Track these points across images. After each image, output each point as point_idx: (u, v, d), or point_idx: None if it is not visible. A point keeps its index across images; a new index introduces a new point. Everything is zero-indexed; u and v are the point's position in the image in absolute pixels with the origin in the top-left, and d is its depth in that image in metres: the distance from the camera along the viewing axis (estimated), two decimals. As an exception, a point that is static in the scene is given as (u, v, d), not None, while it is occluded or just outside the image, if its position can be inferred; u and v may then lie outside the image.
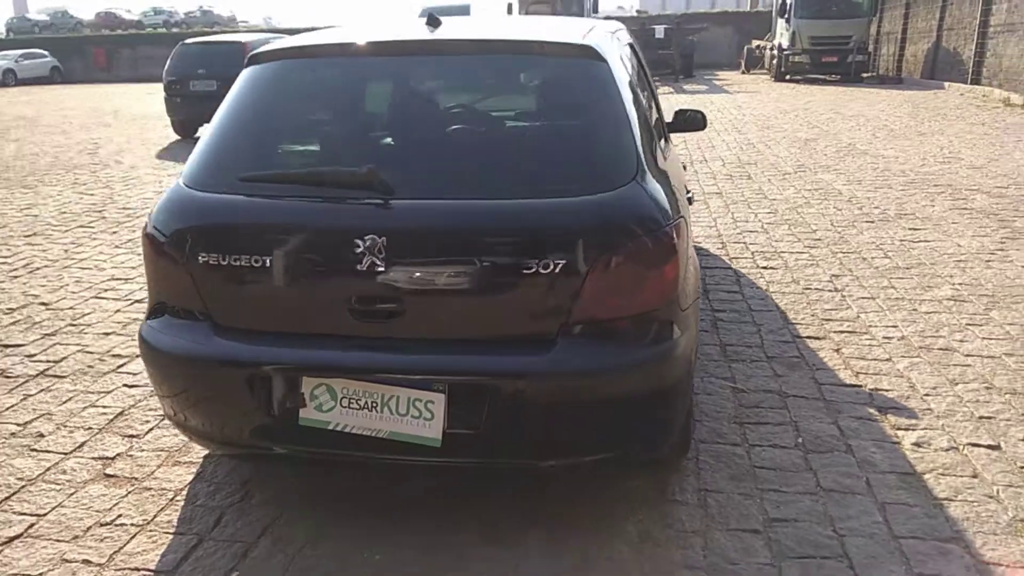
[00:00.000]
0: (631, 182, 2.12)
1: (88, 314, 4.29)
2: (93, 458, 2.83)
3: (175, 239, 2.26)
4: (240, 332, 2.22)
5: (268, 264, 2.13)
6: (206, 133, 2.47)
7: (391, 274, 2.03)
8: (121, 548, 2.33)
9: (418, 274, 2.05)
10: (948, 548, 2.21)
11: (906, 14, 19.57)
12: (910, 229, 5.55)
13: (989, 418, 2.91)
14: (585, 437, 2.16)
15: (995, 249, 5.00)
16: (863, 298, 4.20)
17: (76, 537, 2.39)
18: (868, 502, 2.43)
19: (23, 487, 2.65)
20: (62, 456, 2.85)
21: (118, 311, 4.32)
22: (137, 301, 4.47)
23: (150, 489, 2.62)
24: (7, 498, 2.59)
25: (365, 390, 2.12)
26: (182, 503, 2.54)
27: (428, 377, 2.09)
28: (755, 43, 23.10)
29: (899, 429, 2.85)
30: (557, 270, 2.00)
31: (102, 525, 2.44)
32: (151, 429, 3.02)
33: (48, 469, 2.76)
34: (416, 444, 2.09)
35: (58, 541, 2.37)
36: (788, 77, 19.36)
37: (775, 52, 19.85)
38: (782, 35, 19.75)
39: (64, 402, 3.26)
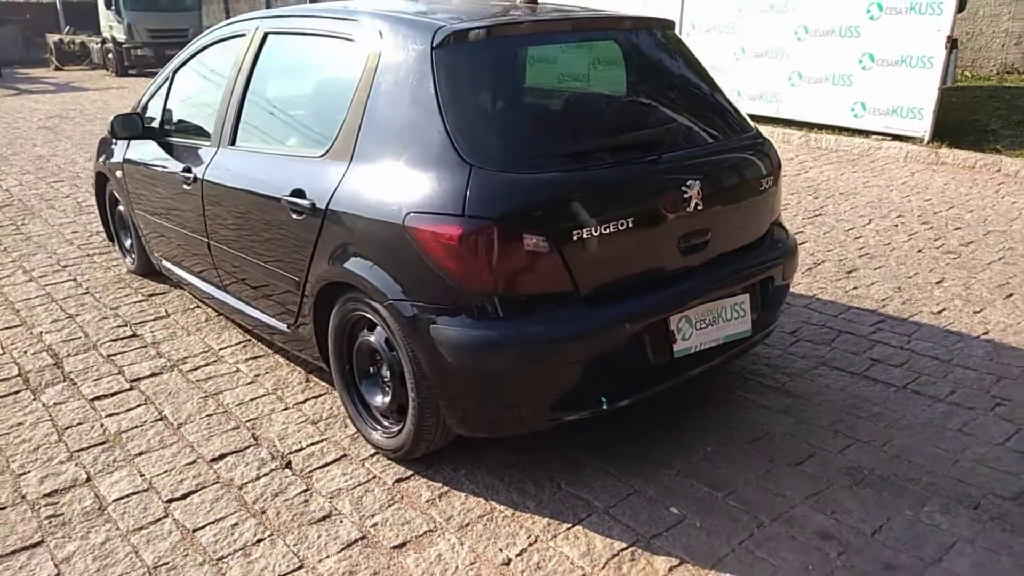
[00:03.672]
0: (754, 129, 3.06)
1: None
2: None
3: (538, 224, 2.27)
4: (610, 297, 2.42)
5: (624, 226, 2.40)
6: (458, 115, 2.40)
7: (705, 209, 2.59)
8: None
9: (718, 205, 2.66)
10: None
11: (226, 8, 20.87)
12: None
13: None
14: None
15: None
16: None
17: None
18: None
19: None
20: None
21: None
22: None
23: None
24: None
25: (707, 310, 2.64)
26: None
27: (738, 284, 2.73)
28: (58, 37, 21.45)
29: None
30: (771, 187, 2.89)
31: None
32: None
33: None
34: (738, 339, 2.73)
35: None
36: (133, 71, 18.82)
37: (111, 46, 18.98)
38: (113, 28, 18.92)
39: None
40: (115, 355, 3.64)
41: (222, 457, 2.83)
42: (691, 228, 2.60)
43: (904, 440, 2.87)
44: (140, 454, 2.85)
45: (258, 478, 2.70)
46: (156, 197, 3.98)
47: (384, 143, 2.57)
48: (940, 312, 4.02)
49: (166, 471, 2.74)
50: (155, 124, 3.94)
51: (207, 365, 3.53)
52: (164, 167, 3.79)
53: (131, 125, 3.89)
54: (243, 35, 3.42)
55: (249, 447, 2.89)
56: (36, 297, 4.36)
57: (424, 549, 2.34)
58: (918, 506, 2.51)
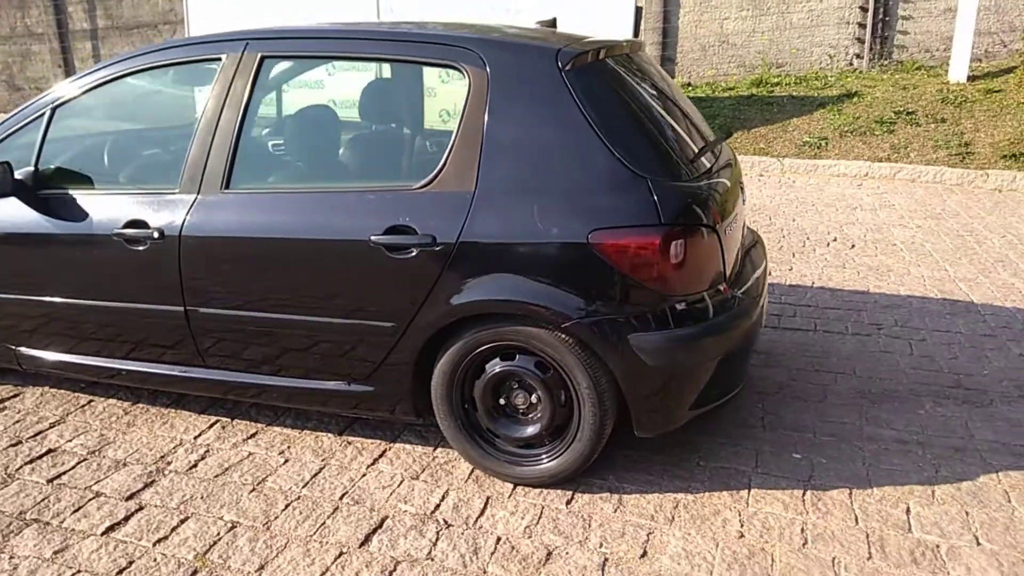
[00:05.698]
0: None
1: None
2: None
3: (710, 225, 2.55)
4: (735, 285, 2.80)
5: (731, 223, 2.78)
6: (611, 132, 2.50)
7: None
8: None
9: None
10: None
11: None
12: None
13: None
14: None
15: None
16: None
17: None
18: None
19: None
20: None
21: None
22: None
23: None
24: None
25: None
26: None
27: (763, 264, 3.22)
28: None
29: None
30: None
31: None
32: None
33: None
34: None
35: None
36: None
37: None
38: None
39: None
40: (59, 477, 2.80)
41: (367, 539, 2.47)
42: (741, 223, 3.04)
43: (866, 365, 3.67)
44: (260, 568, 2.34)
45: (435, 544, 2.44)
46: (30, 270, 3.10)
47: (522, 168, 2.52)
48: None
49: (323, 572, 2.32)
50: (27, 176, 3.06)
51: (202, 460, 2.92)
52: (63, 230, 3.00)
53: (10, 180, 2.98)
54: (215, 59, 2.90)
55: (384, 519, 2.56)
56: None
57: (665, 548, 2.41)
58: (924, 405, 3.28)
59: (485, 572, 2.32)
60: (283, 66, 3.02)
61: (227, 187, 2.82)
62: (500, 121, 2.56)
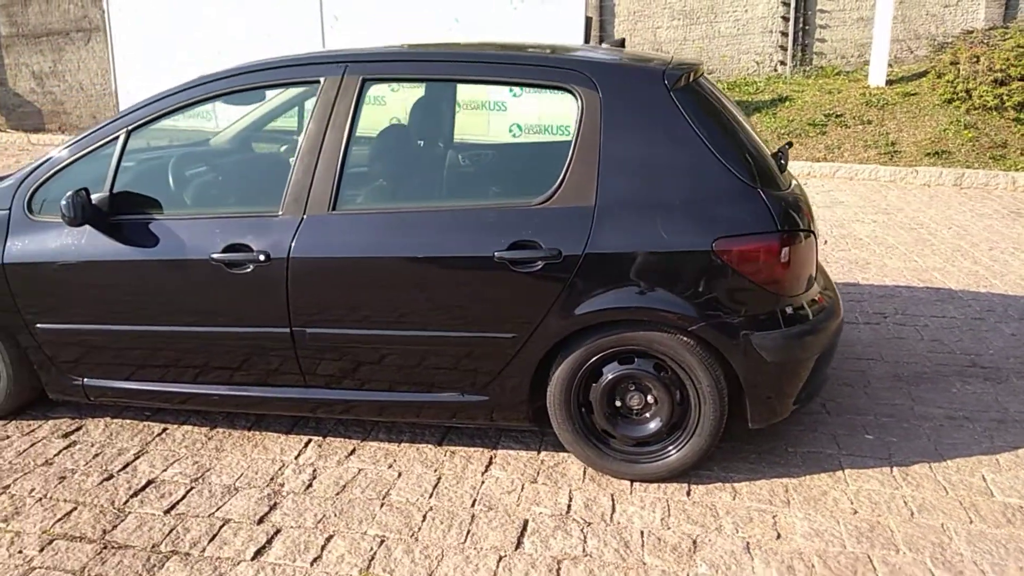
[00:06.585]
0: None
1: None
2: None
3: (814, 228, 2.80)
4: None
5: None
6: (721, 146, 2.69)
7: None
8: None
9: None
10: None
11: None
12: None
13: None
14: None
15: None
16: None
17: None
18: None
19: None
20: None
21: None
22: None
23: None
24: None
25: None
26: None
27: None
28: None
29: None
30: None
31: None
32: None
33: None
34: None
35: None
36: None
37: None
38: None
39: None
40: (175, 507, 2.75)
41: (519, 543, 2.56)
42: None
43: (889, 351, 4.01)
44: (428, 578, 2.41)
45: (585, 541, 2.56)
46: (104, 298, 3.03)
47: (641, 182, 2.68)
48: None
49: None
50: (102, 202, 2.98)
51: (315, 479, 2.93)
52: (145, 256, 2.94)
53: (90, 206, 2.88)
54: (312, 82, 2.91)
55: (525, 522, 2.66)
56: None
57: (794, 529, 2.62)
58: (953, 384, 3.65)
59: (644, 563, 2.47)
60: (385, 88, 3.07)
61: (334, 208, 2.84)
62: (615, 139, 2.71)
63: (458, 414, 3.00)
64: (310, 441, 3.19)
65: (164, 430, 3.29)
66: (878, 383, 3.64)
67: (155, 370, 3.12)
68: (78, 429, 3.31)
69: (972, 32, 9.80)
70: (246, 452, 3.12)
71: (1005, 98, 8.72)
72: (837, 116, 9.43)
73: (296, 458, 3.07)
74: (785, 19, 10.80)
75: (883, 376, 3.72)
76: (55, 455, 3.10)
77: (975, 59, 9.10)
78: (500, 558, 2.49)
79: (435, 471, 2.98)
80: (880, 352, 3.99)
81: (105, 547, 2.55)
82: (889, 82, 9.93)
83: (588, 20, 8.93)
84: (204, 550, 2.54)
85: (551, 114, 9.12)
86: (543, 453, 3.08)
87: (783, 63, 10.91)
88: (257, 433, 3.26)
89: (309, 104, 3.80)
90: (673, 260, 2.64)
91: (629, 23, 11.29)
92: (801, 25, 10.86)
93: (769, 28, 10.94)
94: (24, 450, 3.14)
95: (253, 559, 2.50)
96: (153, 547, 2.56)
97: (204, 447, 3.16)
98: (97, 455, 3.10)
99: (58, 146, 3.18)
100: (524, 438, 3.19)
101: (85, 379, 3.20)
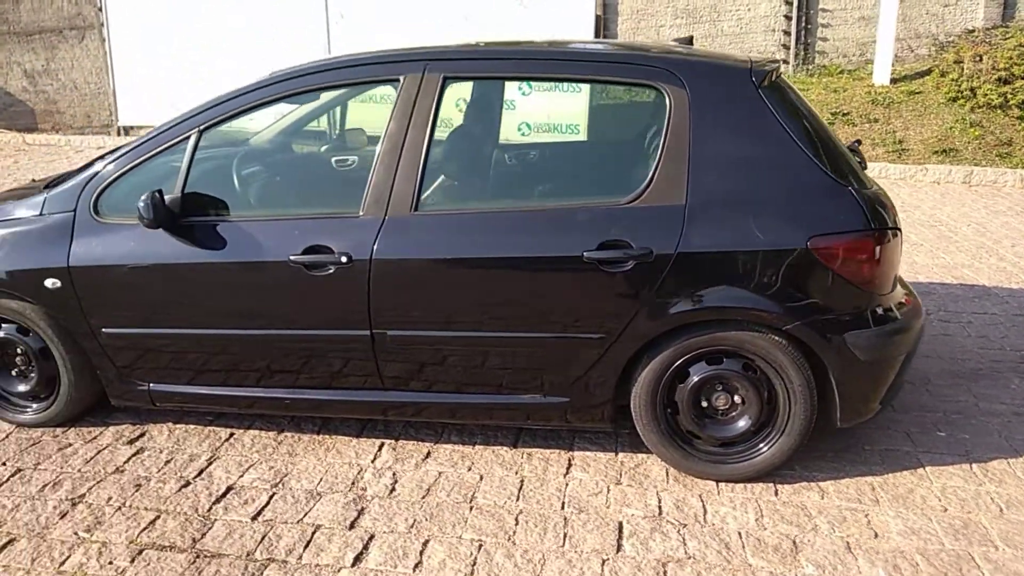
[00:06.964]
0: None
1: None
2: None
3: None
4: None
5: None
6: (809, 144, 2.70)
7: None
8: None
9: None
10: None
11: None
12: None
13: None
14: None
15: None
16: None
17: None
18: None
19: None
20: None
21: None
22: None
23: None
24: None
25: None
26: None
27: None
28: None
29: None
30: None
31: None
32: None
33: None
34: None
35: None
36: None
37: None
38: None
39: None
40: (261, 513, 2.70)
41: (619, 546, 2.55)
42: None
43: (941, 348, 4.04)
44: (534, 582, 2.38)
45: (685, 543, 2.55)
46: (175, 302, 2.97)
47: (733, 181, 2.67)
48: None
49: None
50: (174, 203, 2.91)
51: (397, 483, 2.89)
52: (220, 258, 2.88)
53: (164, 207, 2.82)
54: (391, 80, 2.86)
55: (620, 525, 2.64)
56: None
57: (890, 528, 2.62)
58: (1011, 380, 3.68)
59: (749, 565, 2.46)
60: (467, 86, 3.03)
61: (416, 209, 2.81)
62: (705, 137, 2.69)
63: (532, 415, 2.98)
64: (383, 444, 3.15)
65: (231, 435, 3.23)
66: (938, 380, 3.66)
67: (224, 374, 3.06)
68: (142, 435, 3.24)
69: (973, 31, 9.93)
70: (320, 456, 3.07)
71: (1009, 96, 8.83)
72: (844, 114, 9.50)
73: (372, 461, 3.03)
74: (788, 18, 10.86)
75: (941, 373, 3.74)
76: (125, 462, 3.03)
77: (978, 58, 9.21)
78: (603, 561, 2.47)
79: (516, 473, 2.95)
80: (934, 349, 4.01)
81: (198, 556, 2.50)
82: (893, 80, 10.01)
83: (599, 19, 8.94)
84: (301, 557, 2.50)
85: (560, 112, 9.11)
86: (621, 454, 3.06)
87: (786, 62, 10.96)
88: (327, 437, 3.21)
89: (353, 102, 3.77)
90: (768, 259, 2.63)
91: (632, 21, 11.30)
92: (804, 24, 10.93)
93: (772, 27, 10.99)
94: (91, 457, 3.07)
95: (353, 565, 2.46)
96: (248, 555, 2.51)
97: (276, 451, 3.11)
98: (168, 461, 3.04)
99: (122, 147, 3.11)
100: (598, 439, 3.17)
101: (151, 384, 3.13)
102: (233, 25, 10.39)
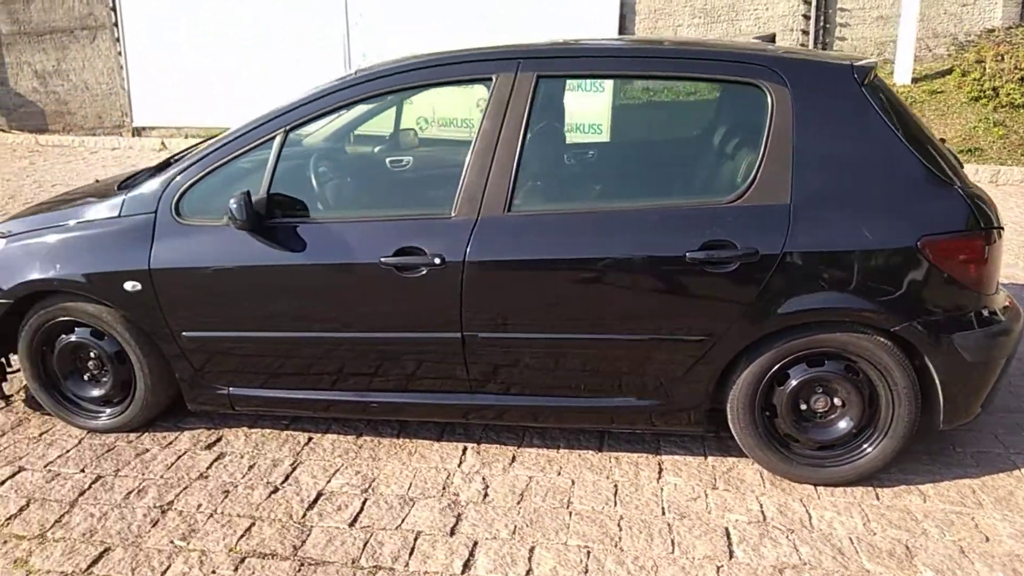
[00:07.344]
0: None
1: None
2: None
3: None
4: None
5: None
6: (915, 144, 2.69)
7: None
8: None
9: None
10: None
11: None
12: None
13: None
14: None
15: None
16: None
17: None
18: None
19: None
20: None
21: None
22: None
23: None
24: None
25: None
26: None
27: None
28: None
29: None
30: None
31: None
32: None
33: None
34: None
35: None
36: None
37: None
38: None
39: None
40: (357, 519, 2.64)
41: (731, 552, 2.50)
42: None
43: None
44: (651, 589, 2.34)
45: (796, 549, 2.50)
46: (259, 305, 2.91)
47: (839, 179, 2.63)
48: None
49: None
50: (260, 205, 2.85)
51: (488, 488, 2.84)
52: (307, 260, 2.83)
53: (255, 208, 2.77)
54: (484, 79, 2.81)
55: (727, 530, 2.60)
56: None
57: (998, 531, 2.59)
58: (1086, 381, 3.66)
59: (866, 571, 2.42)
60: (560, 85, 2.98)
61: (509, 209, 2.76)
62: (808, 135, 2.65)
63: (618, 419, 2.93)
64: (466, 448, 3.10)
65: (310, 439, 3.17)
66: (1020, 381, 3.63)
67: (305, 377, 3.01)
68: (218, 440, 3.18)
69: (994, 31, 9.94)
70: (404, 460, 3.02)
71: (1033, 96, 8.84)
72: (866, 114, 9.49)
73: (459, 466, 2.98)
74: (806, 17, 10.85)
75: (1015, 372, 3.71)
76: (207, 468, 2.97)
77: (1000, 57, 9.22)
78: (718, 568, 2.43)
79: (607, 478, 2.90)
80: (1000, 349, 3.98)
81: (303, 564, 2.44)
82: (914, 80, 10.01)
83: (623, 18, 8.90)
84: (407, 564, 2.44)
85: (581, 112, 9.07)
86: (711, 458, 3.02)
87: (804, 61, 10.96)
88: (407, 441, 3.16)
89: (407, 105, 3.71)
90: (876, 258, 2.59)
91: (650, 20, 11.27)
92: (823, 23, 10.92)
93: (790, 27, 10.98)
94: (172, 463, 3.01)
95: (463, 573, 2.41)
96: (354, 562, 2.45)
97: (358, 456, 3.05)
98: (252, 467, 2.98)
99: (198, 147, 3.06)
100: (684, 443, 3.13)
101: (231, 388, 3.08)
102: (250, 25, 10.31)
